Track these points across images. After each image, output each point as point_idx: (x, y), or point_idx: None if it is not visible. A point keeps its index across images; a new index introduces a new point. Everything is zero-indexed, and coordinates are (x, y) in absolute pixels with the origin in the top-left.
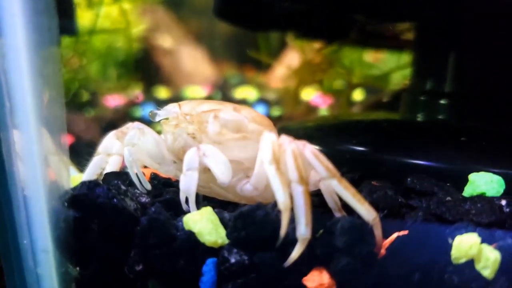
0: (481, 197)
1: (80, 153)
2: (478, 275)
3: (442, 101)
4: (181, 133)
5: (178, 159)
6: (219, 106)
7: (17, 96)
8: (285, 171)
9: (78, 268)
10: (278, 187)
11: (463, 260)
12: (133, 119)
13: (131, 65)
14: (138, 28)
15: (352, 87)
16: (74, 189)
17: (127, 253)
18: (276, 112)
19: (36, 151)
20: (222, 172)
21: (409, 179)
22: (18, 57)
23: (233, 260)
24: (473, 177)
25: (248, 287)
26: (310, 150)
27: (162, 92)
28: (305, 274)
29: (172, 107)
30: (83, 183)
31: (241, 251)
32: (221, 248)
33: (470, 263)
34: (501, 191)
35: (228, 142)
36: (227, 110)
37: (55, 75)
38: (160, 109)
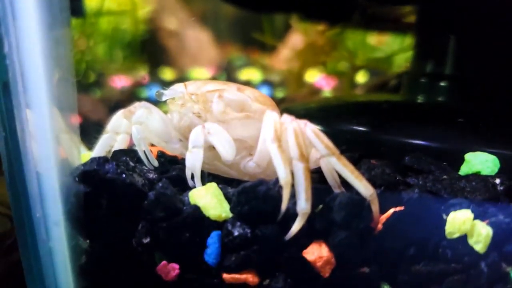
0: (476, 176)
1: (89, 133)
2: (471, 249)
3: (442, 83)
4: (187, 112)
5: (184, 137)
6: (223, 86)
7: (30, 77)
8: (287, 148)
9: (88, 241)
10: (280, 164)
11: (456, 235)
12: (140, 99)
13: (137, 46)
14: (144, 10)
15: (355, 69)
16: (84, 164)
17: (135, 227)
18: (280, 93)
19: (48, 130)
20: (226, 150)
21: (407, 157)
22: (31, 38)
23: (236, 233)
24: (469, 156)
25: (250, 259)
26: (310, 129)
27: (167, 74)
28: (305, 247)
29: (178, 87)
30: (93, 159)
31: (244, 224)
32: (225, 221)
33: (464, 238)
34: (496, 170)
35: (232, 121)
36: (231, 90)
37: (66, 55)
38: (166, 89)
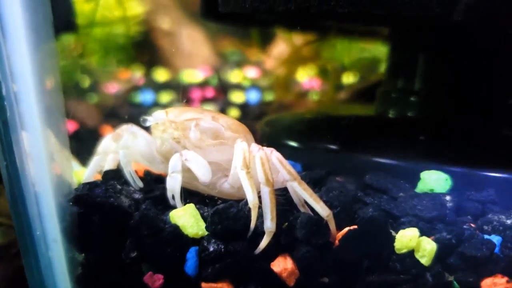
0: (428, 194)
1: (83, 139)
2: (417, 262)
3: (412, 98)
4: (168, 137)
5: (166, 159)
6: (200, 115)
7: (25, 108)
8: (255, 174)
9: (83, 254)
10: (248, 189)
11: (404, 251)
12: (133, 104)
13: (130, 50)
14: (136, 12)
15: (339, 74)
16: (77, 189)
17: (124, 242)
18: (269, 96)
19: (43, 150)
20: (202, 174)
21: (367, 176)
22: (21, 61)
23: (211, 249)
24: (424, 175)
25: (225, 271)
26: (275, 157)
27: (162, 74)
28: (272, 260)
29: (159, 114)
30: (84, 185)
31: (218, 241)
32: (202, 238)
33: (411, 252)
34: (448, 187)
35: (207, 147)
36: (206, 119)
37: (54, 69)
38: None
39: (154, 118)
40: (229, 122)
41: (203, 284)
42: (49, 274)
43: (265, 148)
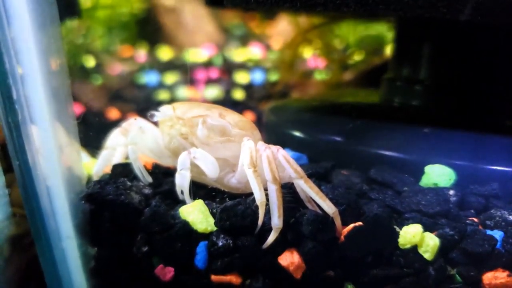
0: (432, 189)
1: (90, 122)
2: (421, 257)
3: (417, 87)
4: (175, 134)
5: (174, 155)
6: (207, 111)
7: (32, 91)
8: (262, 172)
9: (95, 248)
10: (255, 187)
11: (408, 246)
12: (137, 86)
13: (133, 29)
14: None
15: (346, 51)
16: (88, 187)
17: (135, 237)
18: (273, 76)
19: (53, 144)
20: (210, 170)
21: (372, 170)
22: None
23: (220, 244)
24: (428, 169)
25: (233, 264)
26: (282, 155)
27: (166, 53)
28: (279, 254)
29: (167, 109)
30: (95, 183)
31: (227, 236)
32: (211, 233)
33: (414, 247)
34: (452, 181)
35: (215, 144)
36: (213, 116)
37: (59, 53)
38: (158, 110)
39: (162, 113)
40: (236, 119)
41: (213, 276)
42: (64, 266)
43: (271, 146)
